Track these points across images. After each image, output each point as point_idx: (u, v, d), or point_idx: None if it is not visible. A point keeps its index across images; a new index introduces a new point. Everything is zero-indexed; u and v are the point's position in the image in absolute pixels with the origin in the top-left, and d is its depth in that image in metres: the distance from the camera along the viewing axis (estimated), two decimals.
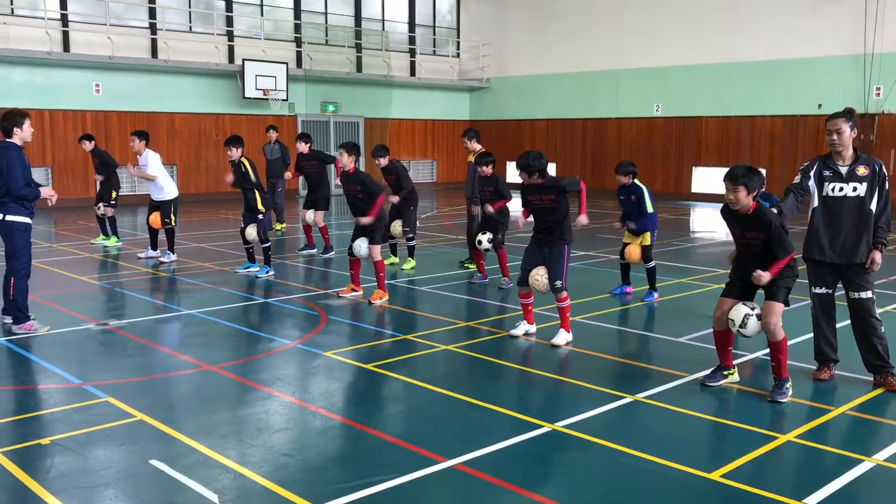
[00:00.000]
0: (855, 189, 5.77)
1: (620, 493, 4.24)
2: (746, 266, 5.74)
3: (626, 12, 24.03)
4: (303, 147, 12.38)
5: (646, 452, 4.71)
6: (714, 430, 5.27)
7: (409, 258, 11.24)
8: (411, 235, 11.17)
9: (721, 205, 5.88)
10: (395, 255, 11.42)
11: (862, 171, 5.75)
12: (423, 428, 5.22)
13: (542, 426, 5.13)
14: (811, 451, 4.81)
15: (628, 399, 5.69)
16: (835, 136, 5.77)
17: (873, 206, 5.78)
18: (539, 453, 4.79)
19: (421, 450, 4.75)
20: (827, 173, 5.85)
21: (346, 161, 8.86)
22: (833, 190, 5.83)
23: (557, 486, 4.33)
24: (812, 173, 5.91)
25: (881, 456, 4.68)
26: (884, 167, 5.85)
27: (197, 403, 5.69)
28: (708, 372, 6.09)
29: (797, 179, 5.99)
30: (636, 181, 8.93)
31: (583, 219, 7.46)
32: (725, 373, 6.00)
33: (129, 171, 11.81)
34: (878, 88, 19.50)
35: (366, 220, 8.80)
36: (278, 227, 15.43)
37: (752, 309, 5.66)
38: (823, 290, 6.03)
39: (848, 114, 5.83)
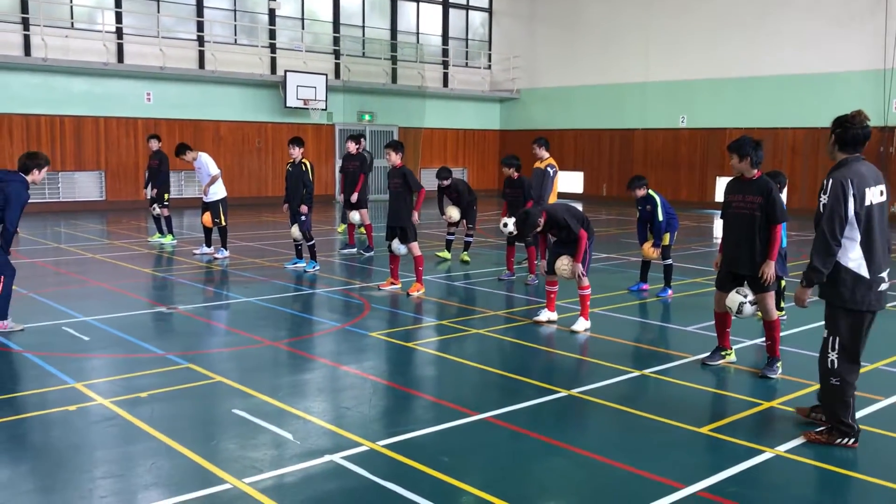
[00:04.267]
0: None
1: (629, 441, 5.11)
2: (736, 245, 6.34)
3: (653, 26, 24.82)
4: (351, 147, 13.37)
5: (647, 412, 5.56)
6: (707, 398, 6.10)
7: (464, 252, 12.54)
8: (471, 232, 12.40)
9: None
10: (449, 251, 12.54)
11: None
12: (459, 391, 6.13)
13: (560, 392, 6.01)
14: (790, 415, 5.62)
15: (636, 373, 6.54)
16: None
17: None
18: (557, 411, 5.66)
19: (456, 406, 5.65)
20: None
21: (394, 158, 9.87)
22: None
23: (571, 435, 5.19)
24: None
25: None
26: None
27: (265, 370, 6.63)
28: (708, 353, 6.91)
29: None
30: (650, 191, 9.70)
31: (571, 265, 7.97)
32: (723, 353, 6.81)
33: (204, 191, 12.68)
34: None
35: (414, 217, 9.85)
36: (342, 228, 15.97)
37: (745, 296, 6.44)
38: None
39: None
